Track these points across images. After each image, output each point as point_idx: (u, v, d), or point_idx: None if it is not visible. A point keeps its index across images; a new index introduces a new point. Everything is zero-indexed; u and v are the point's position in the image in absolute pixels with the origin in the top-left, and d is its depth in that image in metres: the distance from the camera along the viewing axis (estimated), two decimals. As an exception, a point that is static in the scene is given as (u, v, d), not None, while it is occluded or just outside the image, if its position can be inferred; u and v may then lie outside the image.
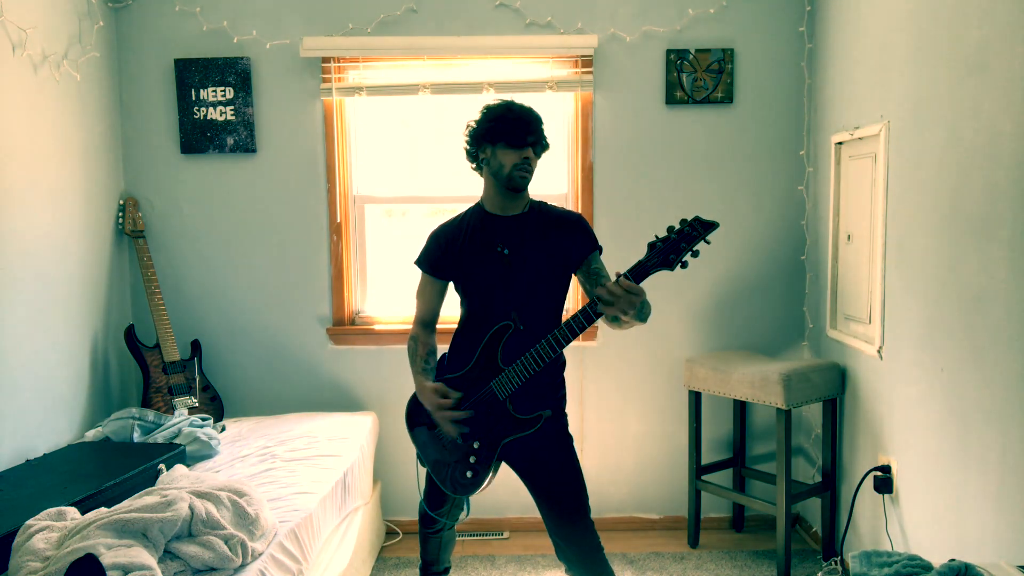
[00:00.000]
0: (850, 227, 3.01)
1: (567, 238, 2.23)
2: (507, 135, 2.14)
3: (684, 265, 1.91)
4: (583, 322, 2.01)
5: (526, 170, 2.17)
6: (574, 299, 3.44)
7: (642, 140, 3.41)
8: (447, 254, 2.27)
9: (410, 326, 3.45)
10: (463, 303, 2.33)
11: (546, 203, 2.32)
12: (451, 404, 2.19)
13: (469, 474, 2.21)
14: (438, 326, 2.41)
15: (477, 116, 2.24)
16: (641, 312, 2.00)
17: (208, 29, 3.38)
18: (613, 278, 1.98)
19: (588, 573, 2.19)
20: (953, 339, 2.25)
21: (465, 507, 2.44)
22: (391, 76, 3.43)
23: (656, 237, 1.94)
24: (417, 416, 2.34)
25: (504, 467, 2.27)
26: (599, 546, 2.21)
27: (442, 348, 2.38)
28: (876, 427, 2.80)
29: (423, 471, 2.42)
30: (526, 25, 3.36)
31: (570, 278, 2.28)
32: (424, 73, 3.41)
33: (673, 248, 1.91)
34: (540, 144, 2.20)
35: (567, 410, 2.33)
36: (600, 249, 2.28)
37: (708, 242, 1.91)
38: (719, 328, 3.49)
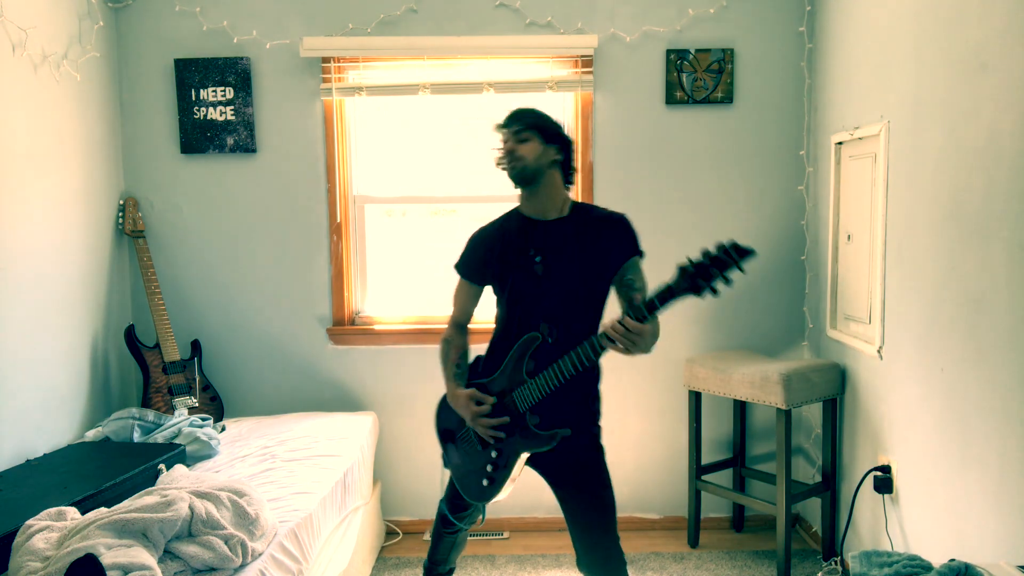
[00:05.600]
0: (850, 227, 3.01)
1: (606, 242, 2.10)
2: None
3: (715, 292, 1.78)
4: (591, 354, 1.96)
5: (508, 159, 2.12)
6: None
7: (642, 140, 3.41)
8: (483, 260, 2.23)
9: (410, 326, 3.55)
10: (499, 308, 2.26)
11: (589, 204, 2.22)
12: (487, 411, 2.15)
13: (485, 482, 2.20)
14: (471, 325, 2.37)
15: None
16: (648, 345, 1.93)
17: (208, 29, 3.38)
18: (651, 286, 1.89)
19: None
20: (953, 339, 2.25)
21: (481, 513, 2.43)
22: (391, 76, 3.43)
23: (688, 260, 1.81)
24: (444, 419, 2.33)
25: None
26: (623, 560, 2.14)
27: (479, 349, 2.34)
28: (876, 427, 2.80)
29: (447, 472, 2.40)
30: (526, 25, 3.36)
31: (609, 285, 2.14)
32: (424, 73, 3.41)
33: (703, 273, 1.77)
34: (525, 129, 2.10)
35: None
36: (641, 254, 2.13)
37: (743, 271, 1.78)
38: (719, 328, 3.49)
